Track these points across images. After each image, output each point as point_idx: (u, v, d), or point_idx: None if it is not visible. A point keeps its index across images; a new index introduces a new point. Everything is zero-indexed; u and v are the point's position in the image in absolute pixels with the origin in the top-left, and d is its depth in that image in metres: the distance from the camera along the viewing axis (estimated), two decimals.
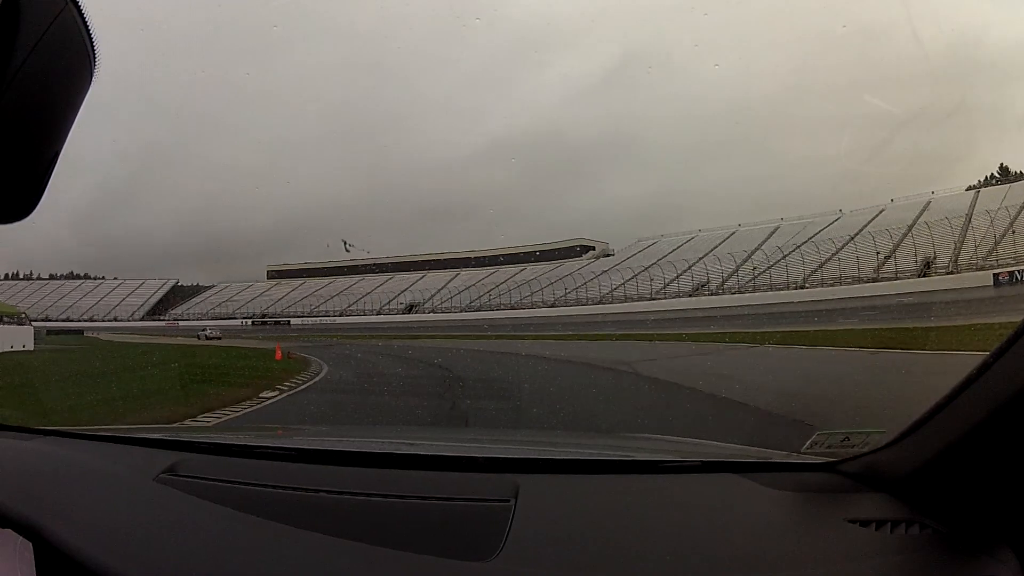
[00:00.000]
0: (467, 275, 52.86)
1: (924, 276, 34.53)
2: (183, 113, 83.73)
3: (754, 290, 38.77)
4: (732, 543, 1.06)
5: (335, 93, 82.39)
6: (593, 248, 52.24)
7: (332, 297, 54.34)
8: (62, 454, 1.46)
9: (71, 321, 54.79)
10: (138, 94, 78.12)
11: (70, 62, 0.67)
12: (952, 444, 0.96)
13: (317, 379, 11.28)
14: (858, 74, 61.68)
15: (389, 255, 56.98)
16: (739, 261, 41.28)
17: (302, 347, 22.32)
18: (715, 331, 20.43)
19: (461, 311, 47.65)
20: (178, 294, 61.44)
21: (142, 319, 57.71)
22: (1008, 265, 31.61)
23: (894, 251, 37.64)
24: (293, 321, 51.97)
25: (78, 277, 65.19)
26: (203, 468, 1.34)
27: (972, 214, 37.72)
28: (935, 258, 36.27)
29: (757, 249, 42.73)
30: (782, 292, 37.12)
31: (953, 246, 35.78)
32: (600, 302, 42.93)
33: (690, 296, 40.48)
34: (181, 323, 53.30)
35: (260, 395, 8.66)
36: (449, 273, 54.31)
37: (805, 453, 1.46)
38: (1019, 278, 30.08)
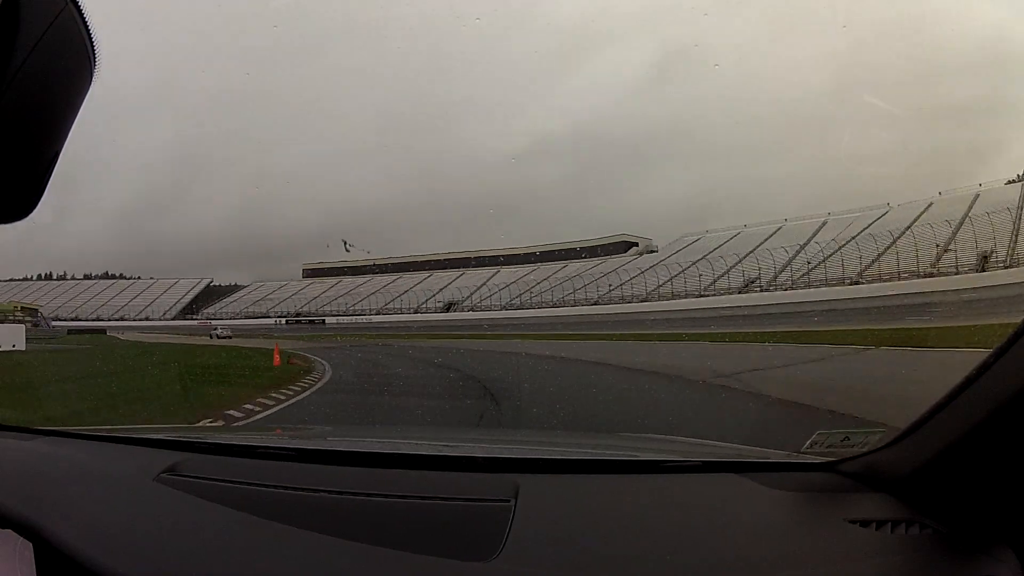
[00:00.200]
0: (508, 272, 52.41)
1: (983, 271, 33.74)
2: (226, 116, 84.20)
3: (807, 286, 38.02)
4: (732, 543, 1.06)
5: (378, 94, 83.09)
6: (636, 244, 51.52)
7: (368, 296, 54.21)
8: (62, 454, 1.45)
9: (101, 320, 55.24)
10: (180, 99, 79.25)
11: (70, 62, 0.67)
12: (952, 444, 0.96)
13: (301, 396, 8.87)
14: (909, 67, 60.45)
15: (428, 252, 56.89)
16: (789, 256, 40.55)
17: (323, 348, 21.62)
18: (791, 330, 18.96)
19: (501, 309, 47.27)
20: (213, 293, 61.68)
21: (174, 318, 58.01)
22: None
23: (947, 245, 36.80)
24: (328, 320, 51.91)
25: (113, 277, 65.67)
26: (203, 468, 1.33)
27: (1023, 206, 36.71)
28: (992, 252, 35.40)
29: (807, 244, 41.96)
30: (836, 288, 36.37)
31: (1009, 239, 34.92)
32: (646, 299, 42.36)
33: (740, 293, 39.79)
34: (213, 322, 53.54)
35: (226, 411, 7.22)
36: (489, 270, 53.89)
37: (805, 453, 1.45)
38: None
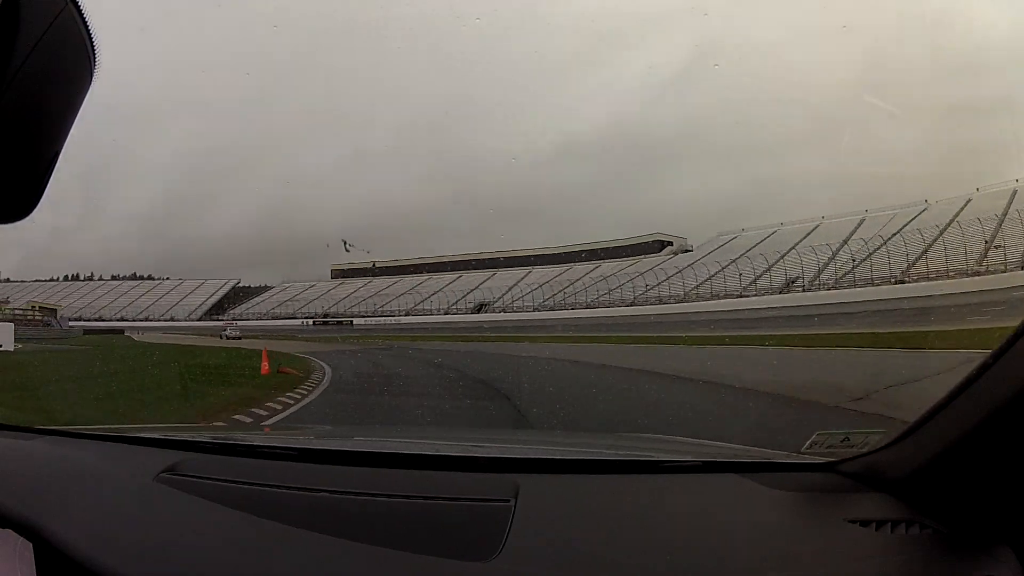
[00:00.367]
0: (540, 273, 52.02)
1: None
2: (251, 120, 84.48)
3: (852, 285, 37.42)
4: (732, 543, 1.06)
5: (408, 94, 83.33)
6: (671, 243, 50.93)
7: (398, 296, 54.08)
8: (62, 454, 1.44)
9: (125, 321, 55.61)
10: (209, 102, 79.63)
11: (70, 62, 0.67)
12: (952, 444, 0.95)
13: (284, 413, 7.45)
14: (940, 62, 59.27)
15: (459, 253, 56.52)
16: (831, 253, 39.93)
17: (337, 351, 20.88)
18: (846, 332, 17.82)
19: (533, 310, 46.97)
20: (241, 294, 61.83)
21: (199, 319, 58.24)
22: None
23: (994, 240, 36.04)
24: (356, 321, 51.84)
25: (140, 278, 66.05)
26: (203, 468, 1.32)
27: None
28: None
29: (847, 242, 41.31)
30: (882, 287, 35.76)
31: None
32: (683, 300, 41.90)
33: (781, 293, 39.25)
34: (234, 322, 53.71)
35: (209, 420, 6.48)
36: (521, 271, 53.56)
37: (805, 453, 1.44)
38: None
